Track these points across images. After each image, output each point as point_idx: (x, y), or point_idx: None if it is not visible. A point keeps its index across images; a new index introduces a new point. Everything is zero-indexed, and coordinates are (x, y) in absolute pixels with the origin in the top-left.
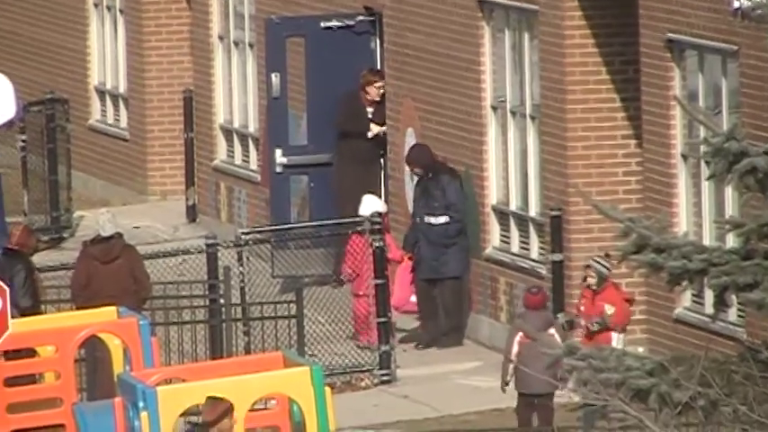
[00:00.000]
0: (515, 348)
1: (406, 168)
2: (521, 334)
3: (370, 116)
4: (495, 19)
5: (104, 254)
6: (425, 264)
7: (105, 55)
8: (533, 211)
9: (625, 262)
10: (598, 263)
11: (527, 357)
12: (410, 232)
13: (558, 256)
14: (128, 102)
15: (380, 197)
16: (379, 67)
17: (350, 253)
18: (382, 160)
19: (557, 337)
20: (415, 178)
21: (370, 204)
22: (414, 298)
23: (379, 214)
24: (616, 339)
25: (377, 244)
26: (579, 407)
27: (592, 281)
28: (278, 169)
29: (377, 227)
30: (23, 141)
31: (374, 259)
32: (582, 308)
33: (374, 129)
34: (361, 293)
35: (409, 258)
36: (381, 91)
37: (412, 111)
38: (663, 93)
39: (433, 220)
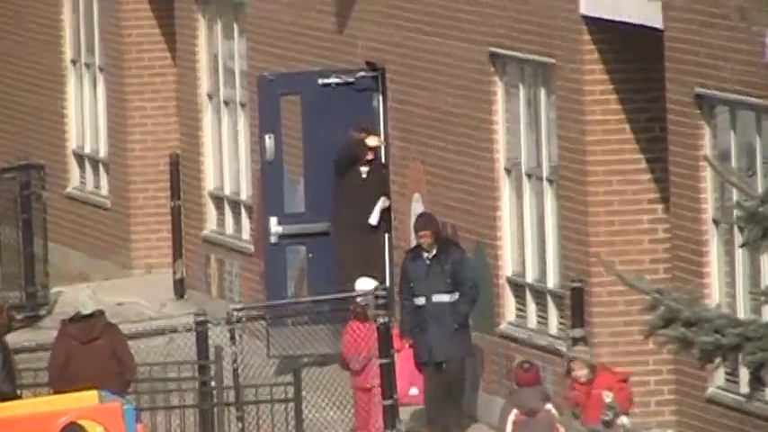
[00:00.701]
0: (509, 428)
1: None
2: (515, 412)
3: (363, 177)
4: (509, 74)
5: (85, 333)
6: (436, 347)
7: (84, 117)
8: (551, 282)
9: (652, 337)
10: (582, 352)
11: None
12: (407, 316)
13: (578, 332)
14: (109, 167)
15: (383, 269)
16: (382, 126)
17: (350, 343)
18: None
19: (554, 412)
20: (419, 255)
21: (365, 287)
22: (414, 390)
23: (376, 297)
24: (624, 421)
25: (381, 320)
26: None
27: (581, 373)
28: (273, 239)
29: (381, 301)
30: None
31: (379, 337)
32: (576, 402)
33: (383, 201)
34: (368, 387)
35: (409, 346)
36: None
37: (419, 174)
38: (692, 152)
39: (444, 298)
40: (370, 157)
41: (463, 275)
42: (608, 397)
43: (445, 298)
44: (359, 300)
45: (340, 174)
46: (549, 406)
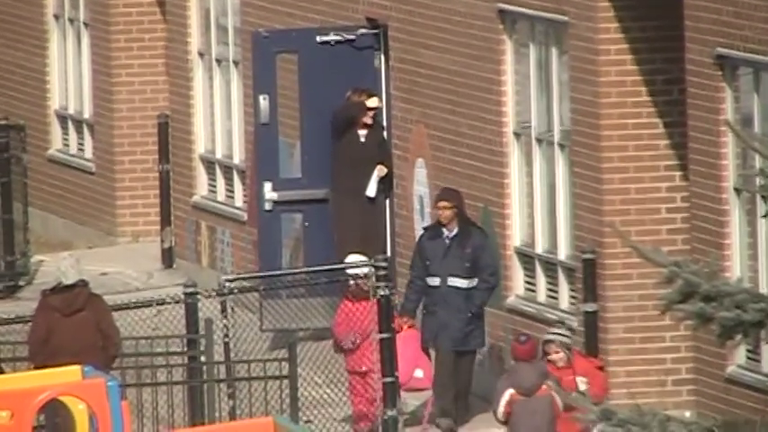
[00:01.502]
0: (501, 409)
1: (416, 205)
2: (511, 392)
3: (362, 140)
4: (519, 32)
5: (67, 305)
6: (448, 334)
7: (67, 75)
8: (563, 254)
9: (669, 312)
10: (560, 334)
11: (520, 417)
12: (413, 295)
13: (591, 306)
14: (93, 128)
15: (386, 240)
16: (384, 87)
17: (341, 322)
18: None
19: (554, 395)
20: (439, 234)
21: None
22: (419, 372)
23: (365, 276)
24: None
25: (382, 292)
26: None
27: (557, 356)
28: (267, 206)
29: (382, 273)
30: None
31: (379, 310)
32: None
33: (379, 170)
34: (363, 370)
35: (409, 327)
36: (373, 111)
37: (423, 138)
38: (712, 116)
39: (459, 282)
40: (368, 120)
41: (484, 261)
42: (582, 384)
43: (461, 282)
44: (352, 276)
45: (337, 137)
46: (545, 384)
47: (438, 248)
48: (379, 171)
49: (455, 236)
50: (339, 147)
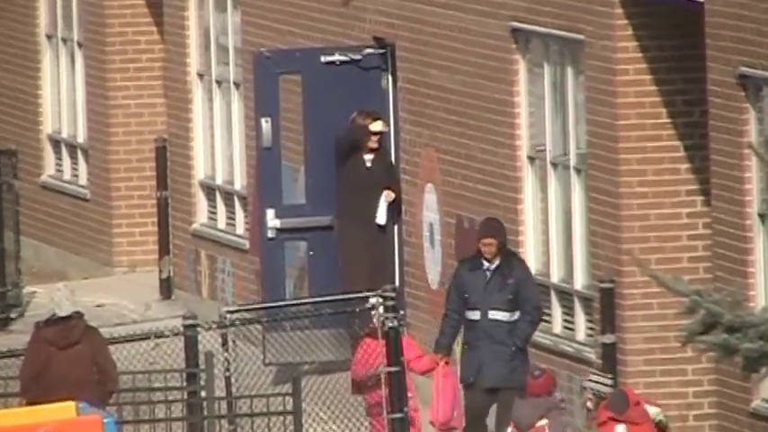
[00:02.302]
0: None
1: (425, 232)
2: (510, 428)
3: (368, 165)
4: (533, 51)
5: (61, 337)
6: (492, 370)
7: (61, 97)
8: (579, 283)
9: (691, 344)
10: (597, 382)
11: None
12: (448, 328)
13: (609, 338)
14: (88, 153)
15: (395, 270)
16: (392, 109)
17: (361, 360)
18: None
19: (546, 430)
20: (478, 265)
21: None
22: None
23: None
24: None
25: (390, 324)
26: None
27: (589, 403)
28: (270, 234)
29: (390, 303)
30: None
31: (387, 343)
32: None
33: (386, 195)
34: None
35: (445, 363)
36: (378, 136)
37: (432, 162)
38: (735, 139)
39: (501, 315)
40: (374, 144)
41: (526, 294)
42: (657, 413)
43: (503, 316)
44: (373, 317)
45: (341, 162)
46: (543, 422)
47: (478, 281)
48: (387, 196)
49: (497, 267)
50: (344, 172)
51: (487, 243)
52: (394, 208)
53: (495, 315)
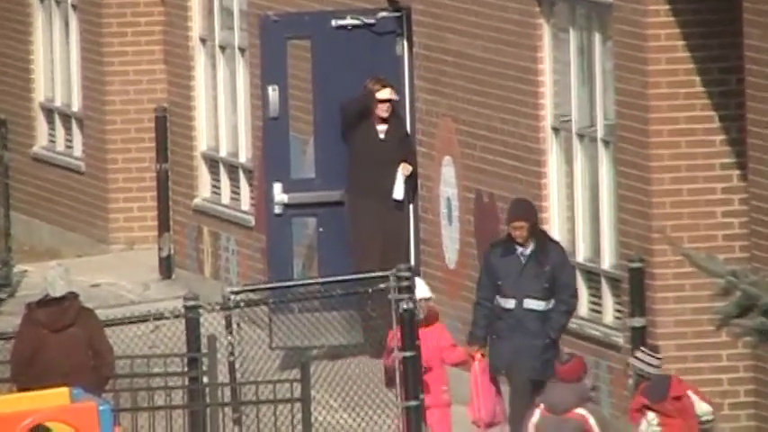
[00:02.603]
0: (528, 427)
1: (442, 208)
2: (540, 408)
3: (381, 137)
4: (558, 15)
5: (55, 319)
6: (525, 362)
7: (54, 63)
8: (607, 262)
9: (726, 328)
10: (642, 361)
11: None
12: (480, 318)
13: (639, 321)
14: (83, 123)
15: (410, 248)
16: (407, 77)
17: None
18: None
19: (590, 419)
20: (511, 250)
21: (419, 286)
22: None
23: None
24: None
25: (405, 306)
26: None
27: (630, 381)
28: (277, 210)
29: (404, 284)
30: None
31: (402, 326)
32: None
33: (403, 169)
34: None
35: (483, 356)
36: (387, 104)
37: (450, 134)
38: None
39: (536, 304)
40: (383, 113)
41: (563, 281)
42: (705, 410)
43: (538, 305)
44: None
45: (351, 133)
46: (581, 411)
47: (512, 267)
48: (404, 170)
49: (532, 253)
50: (355, 144)
51: (518, 226)
52: (409, 182)
53: (529, 304)
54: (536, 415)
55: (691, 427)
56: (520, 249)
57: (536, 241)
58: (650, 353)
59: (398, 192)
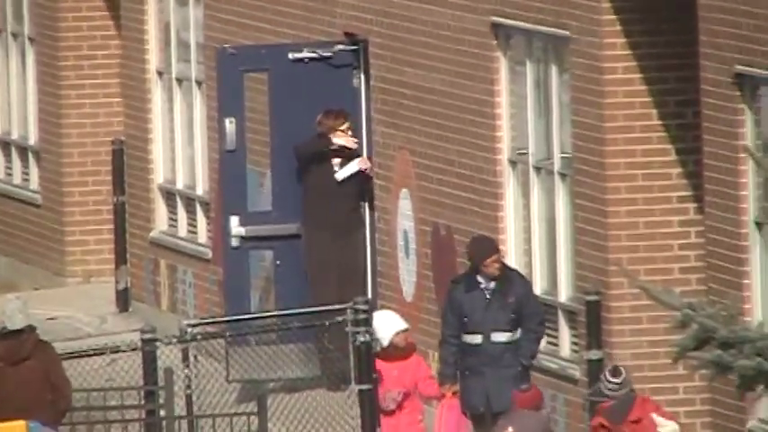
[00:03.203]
0: None
1: (400, 241)
2: None
3: (336, 170)
4: (514, 48)
5: (11, 353)
6: (497, 397)
7: (10, 96)
8: (564, 295)
9: (683, 361)
10: (602, 381)
11: None
12: (449, 356)
13: (595, 354)
14: (39, 156)
15: (367, 281)
16: (364, 110)
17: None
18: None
19: None
20: (474, 285)
21: (387, 323)
22: None
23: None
24: None
25: (362, 338)
26: None
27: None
28: (234, 243)
29: (361, 316)
30: None
31: (358, 358)
32: None
33: (362, 162)
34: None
35: (453, 394)
36: (350, 133)
37: (407, 167)
38: (731, 142)
39: (503, 337)
40: (338, 159)
41: (530, 309)
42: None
43: (505, 336)
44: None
45: (306, 172)
46: None
47: (477, 302)
48: (361, 162)
49: (496, 285)
50: (310, 178)
51: (495, 260)
52: (362, 212)
53: (498, 337)
54: None
55: None
56: (483, 284)
57: (500, 274)
58: (610, 378)
59: (342, 174)
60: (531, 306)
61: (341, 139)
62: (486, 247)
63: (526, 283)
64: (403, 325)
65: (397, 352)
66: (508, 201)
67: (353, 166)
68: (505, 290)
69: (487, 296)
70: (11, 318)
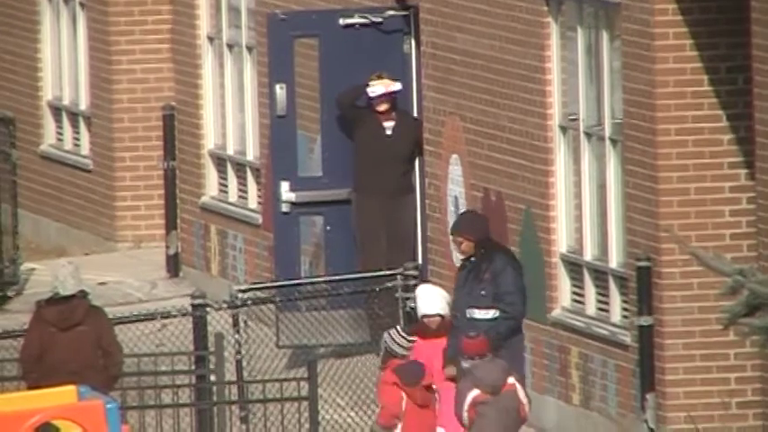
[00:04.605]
0: (466, 412)
1: (450, 206)
2: (474, 393)
3: (388, 133)
4: (566, 14)
5: (64, 318)
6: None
7: (62, 61)
8: (614, 261)
9: (733, 327)
10: (391, 336)
11: (490, 418)
12: (452, 337)
13: (646, 320)
14: (90, 122)
15: (417, 247)
16: (415, 76)
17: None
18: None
19: (519, 390)
20: (458, 257)
21: (432, 299)
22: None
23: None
24: None
25: (412, 305)
26: None
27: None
28: (284, 208)
29: (410, 282)
30: None
31: (408, 323)
32: None
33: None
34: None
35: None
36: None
37: (458, 132)
38: None
39: (477, 313)
40: (382, 108)
41: (502, 288)
42: None
43: (480, 314)
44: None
45: (356, 130)
46: (511, 380)
47: (460, 277)
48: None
49: (475, 262)
50: (361, 141)
51: (455, 240)
52: (412, 177)
53: (474, 314)
54: (471, 398)
55: (431, 418)
56: (472, 259)
57: (485, 250)
58: (403, 334)
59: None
60: (504, 284)
61: (378, 85)
62: (453, 224)
63: (506, 261)
64: (431, 310)
65: (428, 330)
66: (559, 166)
67: (380, 88)
68: (483, 265)
69: (467, 271)
70: (63, 283)
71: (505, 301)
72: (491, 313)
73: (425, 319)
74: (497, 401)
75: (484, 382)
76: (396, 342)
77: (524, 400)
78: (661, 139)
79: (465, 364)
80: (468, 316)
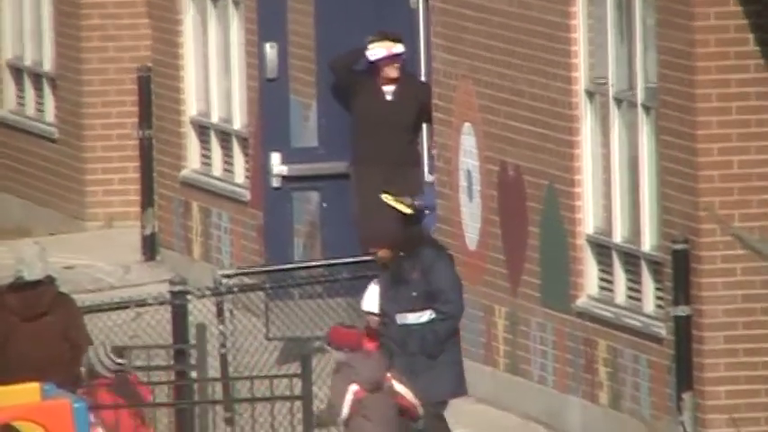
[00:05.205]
0: (346, 410)
1: (462, 182)
2: (354, 389)
3: (389, 98)
4: None
5: (28, 306)
6: (415, 385)
7: (23, 16)
8: (647, 244)
9: None
10: (98, 357)
11: (373, 413)
12: (383, 346)
13: (683, 310)
14: (56, 84)
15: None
16: (423, 34)
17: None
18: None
19: (395, 384)
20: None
21: (373, 296)
22: None
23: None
24: None
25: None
26: None
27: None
28: (275, 183)
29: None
30: None
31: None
32: None
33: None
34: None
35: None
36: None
37: (471, 98)
38: None
39: (410, 318)
40: (393, 73)
41: (435, 285)
42: None
43: (413, 318)
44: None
45: (354, 96)
46: (388, 375)
47: (383, 283)
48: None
49: (398, 261)
50: (358, 107)
51: (371, 253)
52: (419, 145)
53: (402, 319)
54: (350, 395)
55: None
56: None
57: (403, 252)
58: (112, 356)
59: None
60: (435, 281)
61: (378, 47)
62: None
63: (435, 254)
64: (368, 307)
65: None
66: (585, 137)
67: (382, 51)
68: (408, 264)
69: (390, 276)
70: (30, 266)
71: (441, 300)
72: (426, 315)
73: (366, 316)
74: (376, 398)
75: (364, 379)
76: (100, 361)
77: (406, 393)
78: (701, 106)
79: (339, 356)
80: (399, 322)
